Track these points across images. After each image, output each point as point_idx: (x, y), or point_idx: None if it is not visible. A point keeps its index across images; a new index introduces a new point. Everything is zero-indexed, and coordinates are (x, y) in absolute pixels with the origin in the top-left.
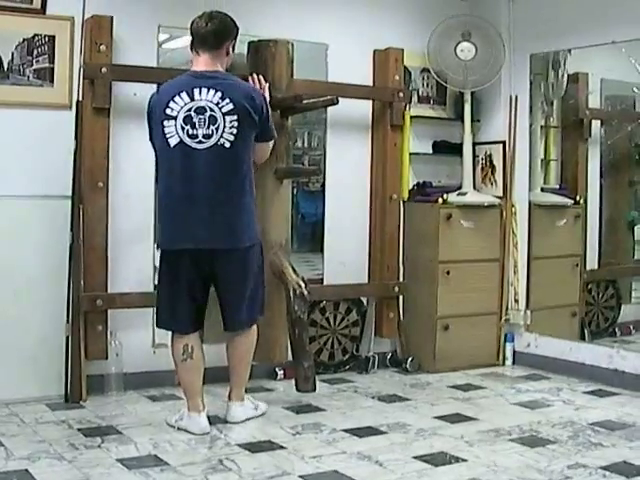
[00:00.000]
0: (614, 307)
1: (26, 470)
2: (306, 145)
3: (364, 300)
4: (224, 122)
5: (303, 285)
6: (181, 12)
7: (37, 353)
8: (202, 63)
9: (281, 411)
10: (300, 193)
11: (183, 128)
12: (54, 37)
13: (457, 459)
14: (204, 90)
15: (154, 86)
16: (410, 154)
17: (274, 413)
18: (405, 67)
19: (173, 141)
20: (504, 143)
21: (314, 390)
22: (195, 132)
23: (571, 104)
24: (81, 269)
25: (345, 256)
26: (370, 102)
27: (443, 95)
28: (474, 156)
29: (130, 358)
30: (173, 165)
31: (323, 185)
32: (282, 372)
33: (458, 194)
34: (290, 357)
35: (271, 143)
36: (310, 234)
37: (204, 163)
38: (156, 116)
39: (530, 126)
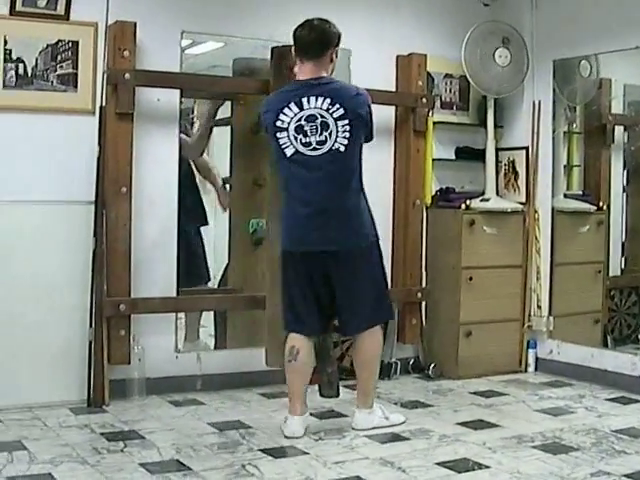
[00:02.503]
0: (637, 314)
1: (49, 474)
2: None
3: None
4: (337, 127)
5: None
6: (204, 18)
7: (60, 358)
8: (307, 71)
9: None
10: None
11: (296, 138)
12: (78, 43)
13: (480, 466)
14: (312, 98)
15: (177, 92)
16: (433, 160)
17: None
18: (428, 73)
19: (289, 151)
20: (527, 149)
21: (338, 395)
22: (308, 140)
23: (594, 110)
24: (104, 274)
25: None
26: (393, 108)
27: (466, 101)
28: (497, 162)
29: (153, 363)
30: (292, 173)
31: None
32: None
33: (481, 200)
34: (314, 363)
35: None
36: None
37: (320, 169)
38: (269, 127)
39: (553, 132)
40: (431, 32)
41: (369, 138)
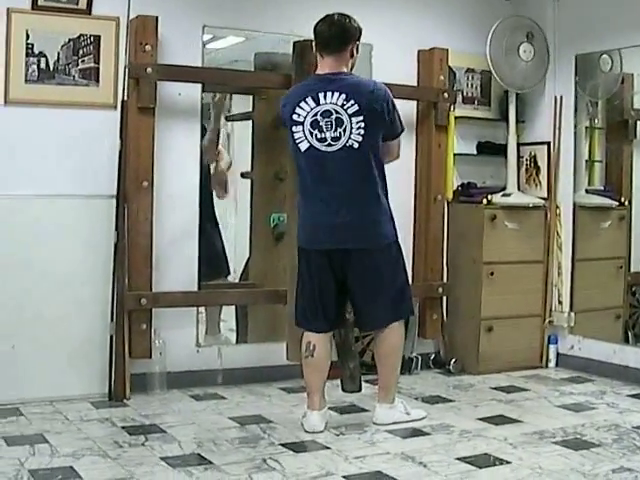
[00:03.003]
0: None
1: (71, 467)
2: None
3: None
4: (351, 123)
5: None
6: (225, 12)
7: (81, 351)
8: (326, 66)
9: None
10: None
11: (311, 133)
12: (99, 37)
13: (501, 461)
14: (328, 93)
15: (199, 86)
16: (454, 155)
17: None
18: (450, 67)
19: (303, 146)
20: (549, 144)
21: (360, 390)
22: (323, 135)
23: (616, 105)
24: (126, 268)
25: None
26: (415, 102)
27: (487, 96)
28: (518, 157)
29: (174, 357)
30: (306, 168)
31: None
32: None
33: (502, 195)
34: (334, 357)
35: (397, 140)
36: None
37: (335, 165)
38: (286, 120)
39: (575, 127)
40: (452, 26)
41: (395, 132)
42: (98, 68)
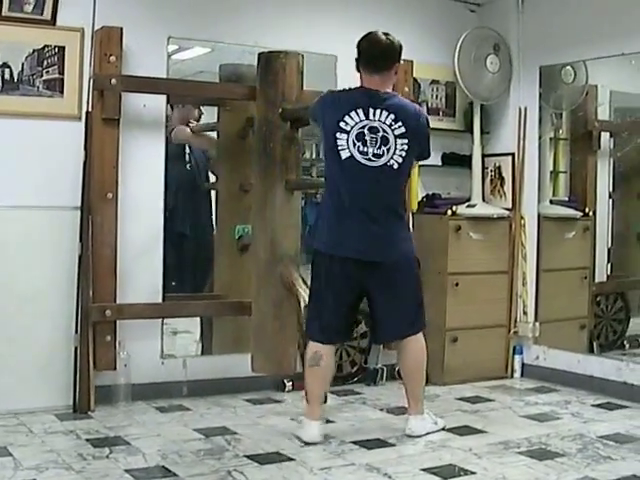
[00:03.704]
0: (623, 320)
1: None
2: (314, 156)
3: None
4: (395, 144)
5: None
6: (191, 23)
7: (46, 364)
8: (373, 83)
9: (290, 423)
10: (308, 205)
11: (354, 144)
12: (64, 48)
13: (466, 472)
14: (378, 111)
15: (163, 97)
16: (419, 166)
17: (282, 424)
18: (414, 79)
19: (344, 154)
20: (513, 155)
21: (325, 402)
22: (366, 149)
23: (580, 116)
24: (90, 280)
25: None
26: None
27: (452, 107)
28: (483, 168)
29: (138, 369)
30: (341, 176)
31: None
32: (291, 384)
33: (467, 206)
34: (299, 369)
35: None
36: None
37: (371, 180)
38: (329, 124)
39: (539, 138)
40: (417, 38)
41: (425, 155)
42: (62, 79)
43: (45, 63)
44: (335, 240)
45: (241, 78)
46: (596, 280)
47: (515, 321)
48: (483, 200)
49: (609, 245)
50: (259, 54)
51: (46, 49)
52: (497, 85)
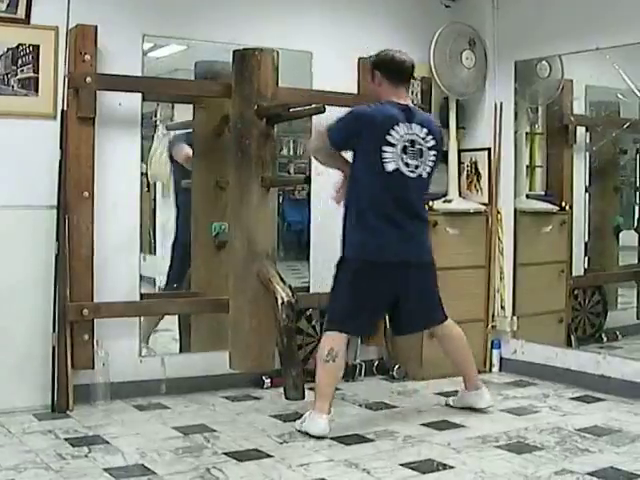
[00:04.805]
0: (600, 313)
1: None
2: (291, 153)
3: None
4: (427, 156)
5: (290, 293)
6: (166, 21)
7: (23, 363)
8: (400, 95)
9: (268, 419)
10: (286, 201)
11: (400, 156)
12: (38, 47)
13: (444, 466)
14: (413, 125)
15: (139, 95)
16: None
17: (261, 421)
18: None
19: (390, 167)
20: (489, 150)
21: (303, 398)
22: (408, 162)
23: (556, 111)
24: (67, 279)
25: (331, 264)
26: None
27: (428, 102)
28: (459, 163)
29: (117, 367)
30: (384, 187)
31: (309, 193)
32: (269, 380)
33: (444, 201)
34: (277, 365)
35: None
36: (296, 242)
37: (410, 189)
38: (372, 138)
39: (515, 133)
40: (392, 34)
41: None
42: (37, 78)
43: (20, 62)
44: (381, 246)
45: (216, 75)
46: (573, 274)
47: (493, 315)
48: (460, 195)
49: (586, 239)
50: (234, 51)
51: (20, 48)
52: (473, 80)
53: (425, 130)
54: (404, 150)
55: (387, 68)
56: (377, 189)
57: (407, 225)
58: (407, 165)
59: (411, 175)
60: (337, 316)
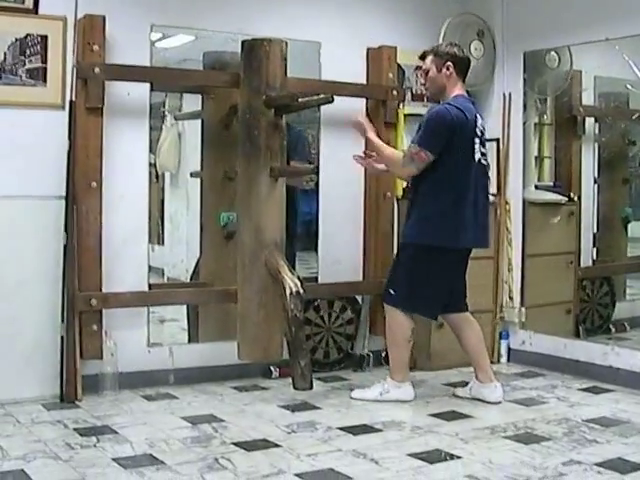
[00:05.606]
0: (608, 304)
1: (22, 470)
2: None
3: (359, 298)
4: (486, 145)
5: (299, 283)
6: (174, 11)
7: (32, 353)
8: (463, 89)
9: (276, 409)
10: (299, 192)
11: (479, 147)
12: (46, 37)
13: (452, 456)
14: (478, 116)
15: (147, 86)
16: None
17: (269, 411)
18: (398, 65)
19: (477, 156)
20: (498, 141)
21: (311, 388)
22: (482, 151)
23: (565, 101)
24: (75, 269)
25: (339, 254)
26: (364, 100)
27: None
28: None
29: (125, 357)
30: (470, 177)
31: (317, 184)
32: (277, 370)
33: None
34: (285, 355)
35: None
36: (304, 233)
37: (486, 177)
38: (465, 133)
39: (524, 123)
40: (401, 24)
41: None
42: (45, 68)
43: (28, 52)
44: (466, 233)
45: (225, 66)
46: (582, 265)
47: (501, 306)
48: None
49: (594, 230)
50: (243, 41)
51: (28, 38)
52: (481, 71)
53: (481, 121)
54: (480, 140)
55: (461, 62)
56: (468, 178)
57: (484, 212)
58: (483, 155)
59: (484, 163)
60: (421, 301)
